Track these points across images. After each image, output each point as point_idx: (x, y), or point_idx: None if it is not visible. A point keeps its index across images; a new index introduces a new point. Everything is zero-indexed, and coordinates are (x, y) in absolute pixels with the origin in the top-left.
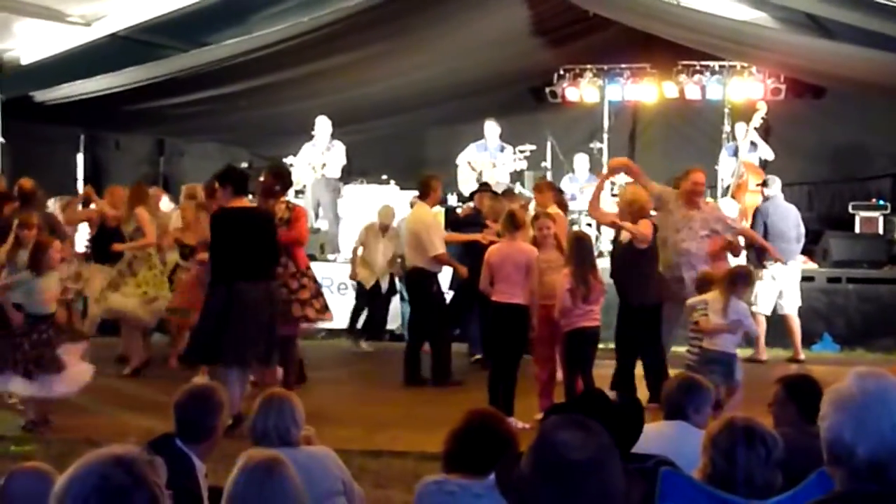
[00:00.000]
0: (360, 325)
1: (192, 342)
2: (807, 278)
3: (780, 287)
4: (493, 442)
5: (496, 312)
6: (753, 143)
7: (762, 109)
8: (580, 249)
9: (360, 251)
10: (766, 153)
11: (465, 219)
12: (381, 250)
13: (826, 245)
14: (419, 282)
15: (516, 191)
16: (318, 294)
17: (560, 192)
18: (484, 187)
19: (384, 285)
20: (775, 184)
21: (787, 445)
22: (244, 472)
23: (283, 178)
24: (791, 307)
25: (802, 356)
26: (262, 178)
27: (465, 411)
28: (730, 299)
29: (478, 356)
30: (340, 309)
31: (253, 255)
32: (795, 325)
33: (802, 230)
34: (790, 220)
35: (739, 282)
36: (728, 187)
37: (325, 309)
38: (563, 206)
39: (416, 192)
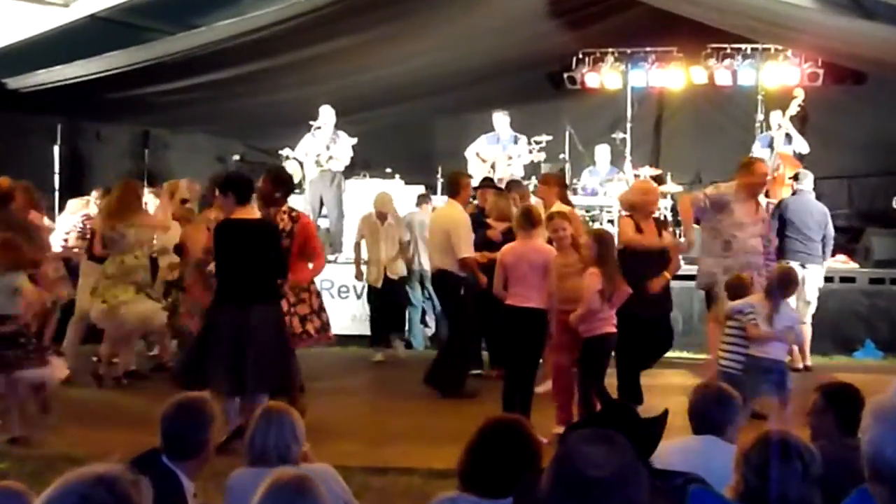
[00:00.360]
0: (382, 329)
1: (187, 362)
2: (847, 279)
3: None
4: (516, 455)
5: (511, 317)
6: (788, 135)
7: (799, 97)
8: (605, 248)
9: (363, 248)
10: (802, 146)
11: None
12: (384, 241)
13: (868, 243)
14: (446, 285)
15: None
16: (321, 310)
17: (566, 186)
18: (486, 182)
19: (392, 275)
20: (807, 178)
21: (825, 459)
22: (272, 491)
23: (284, 185)
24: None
25: (809, 362)
26: (260, 184)
27: (486, 418)
28: (779, 304)
29: (477, 371)
30: (342, 313)
31: (259, 274)
32: (806, 331)
33: (831, 231)
34: (814, 218)
35: (790, 284)
36: None
37: (325, 328)
38: (568, 201)
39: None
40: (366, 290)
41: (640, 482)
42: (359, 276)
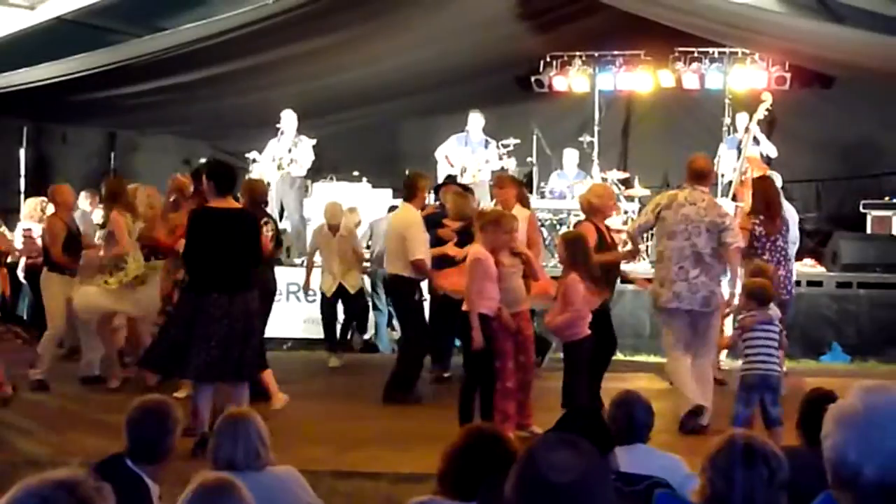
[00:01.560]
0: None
1: (154, 349)
2: (815, 283)
3: None
4: (493, 462)
5: (463, 320)
6: (756, 139)
7: (767, 100)
8: (578, 250)
9: (317, 258)
10: (770, 150)
11: (428, 218)
12: (336, 253)
13: (835, 247)
14: (399, 290)
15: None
16: None
17: (523, 187)
18: (448, 180)
19: (350, 288)
20: (776, 181)
21: (794, 464)
22: (196, 495)
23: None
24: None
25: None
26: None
27: (465, 428)
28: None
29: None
30: (306, 316)
31: (234, 263)
32: None
33: (797, 233)
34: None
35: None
36: (729, 183)
37: None
38: (526, 202)
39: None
40: (319, 297)
41: (604, 487)
42: (306, 287)
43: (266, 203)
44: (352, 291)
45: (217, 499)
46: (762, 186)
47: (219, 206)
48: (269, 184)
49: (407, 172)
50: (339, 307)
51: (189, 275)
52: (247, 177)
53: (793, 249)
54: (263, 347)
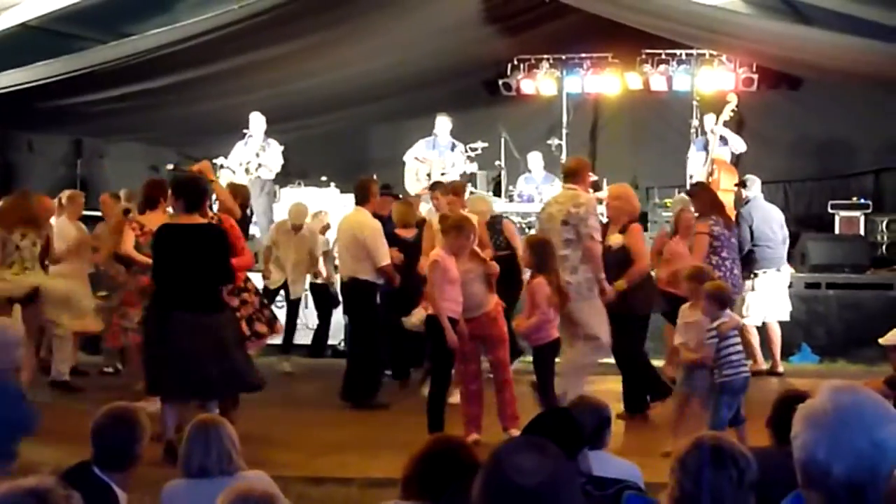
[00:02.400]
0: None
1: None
2: None
3: (768, 295)
4: (456, 469)
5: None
6: (723, 138)
7: (733, 101)
8: (543, 254)
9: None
10: (738, 145)
11: None
12: (293, 251)
13: (804, 248)
14: (362, 294)
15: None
16: (262, 307)
17: (463, 194)
18: (385, 189)
19: (296, 291)
20: (755, 184)
21: (763, 464)
22: None
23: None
24: (777, 315)
25: (781, 368)
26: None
27: (429, 437)
28: None
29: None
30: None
31: (199, 280)
32: (776, 335)
33: (786, 231)
34: (775, 223)
35: None
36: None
37: (273, 320)
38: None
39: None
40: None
41: (572, 491)
42: (267, 274)
43: (249, 207)
44: (293, 298)
45: None
46: (701, 190)
47: (185, 222)
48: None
49: (381, 178)
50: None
51: (163, 292)
52: (228, 181)
53: (784, 249)
54: (244, 369)
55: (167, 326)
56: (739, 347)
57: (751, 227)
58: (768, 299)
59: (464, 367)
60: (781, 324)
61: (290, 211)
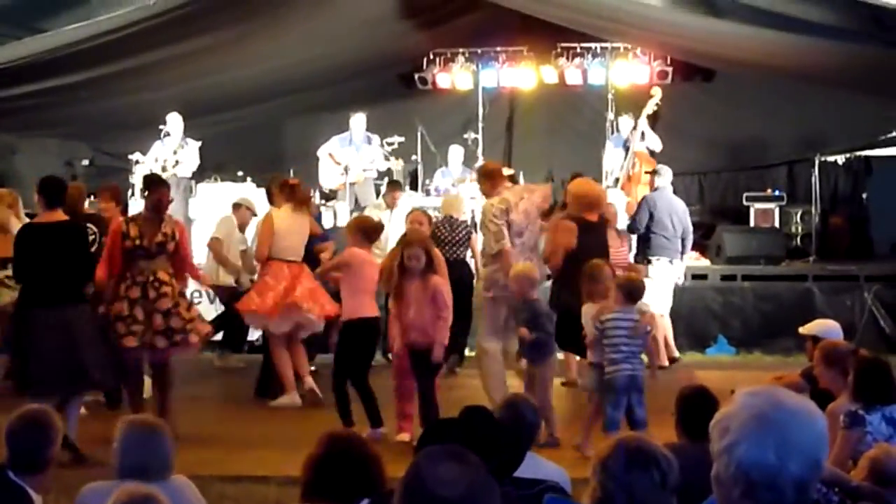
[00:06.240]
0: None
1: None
2: (699, 276)
3: (655, 286)
4: (355, 467)
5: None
6: (643, 133)
7: (657, 95)
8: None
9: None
10: (655, 144)
11: None
12: (235, 247)
13: (719, 240)
14: None
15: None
16: (190, 306)
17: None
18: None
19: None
20: (667, 174)
21: (680, 461)
22: None
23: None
24: (661, 308)
25: (667, 363)
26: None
27: (322, 434)
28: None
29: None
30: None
31: (60, 277)
32: (667, 326)
33: (690, 227)
34: (676, 215)
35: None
36: (617, 179)
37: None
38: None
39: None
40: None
41: (491, 499)
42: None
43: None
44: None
45: None
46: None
47: (46, 221)
48: None
49: (297, 172)
50: None
51: (27, 289)
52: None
53: (689, 242)
54: (110, 361)
55: (27, 324)
56: (625, 342)
57: (651, 213)
58: (654, 290)
59: (396, 362)
60: (696, 315)
61: (238, 213)
